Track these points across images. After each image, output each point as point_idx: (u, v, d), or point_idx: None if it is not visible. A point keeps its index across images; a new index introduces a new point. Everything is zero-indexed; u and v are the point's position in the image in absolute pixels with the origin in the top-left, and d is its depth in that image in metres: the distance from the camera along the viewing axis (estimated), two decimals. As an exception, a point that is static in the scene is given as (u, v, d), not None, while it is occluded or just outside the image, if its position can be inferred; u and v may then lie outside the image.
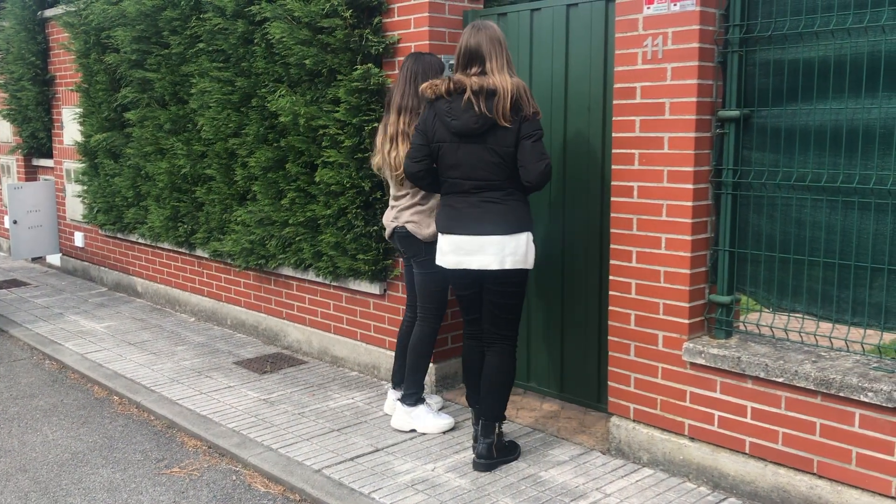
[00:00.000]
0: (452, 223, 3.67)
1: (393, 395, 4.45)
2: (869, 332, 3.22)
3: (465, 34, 3.60)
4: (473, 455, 3.82)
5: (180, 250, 6.77)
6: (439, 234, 3.75)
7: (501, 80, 3.49)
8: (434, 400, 4.55)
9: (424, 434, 4.19)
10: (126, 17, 6.43)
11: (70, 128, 8.12)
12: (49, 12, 8.23)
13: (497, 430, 3.79)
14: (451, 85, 3.56)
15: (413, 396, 4.22)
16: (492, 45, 3.54)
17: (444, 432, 4.19)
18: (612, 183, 3.74)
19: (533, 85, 4.37)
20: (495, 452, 3.76)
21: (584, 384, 4.41)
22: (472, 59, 3.55)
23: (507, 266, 3.61)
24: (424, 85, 3.68)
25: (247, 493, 3.74)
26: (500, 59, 3.54)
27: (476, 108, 3.50)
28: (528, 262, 3.66)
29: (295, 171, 5.19)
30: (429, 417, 4.21)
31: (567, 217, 4.33)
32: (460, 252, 3.65)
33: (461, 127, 3.55)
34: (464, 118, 3.54)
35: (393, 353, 4.93)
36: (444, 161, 3.66)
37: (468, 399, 4.01)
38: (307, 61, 4.87)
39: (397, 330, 4.91)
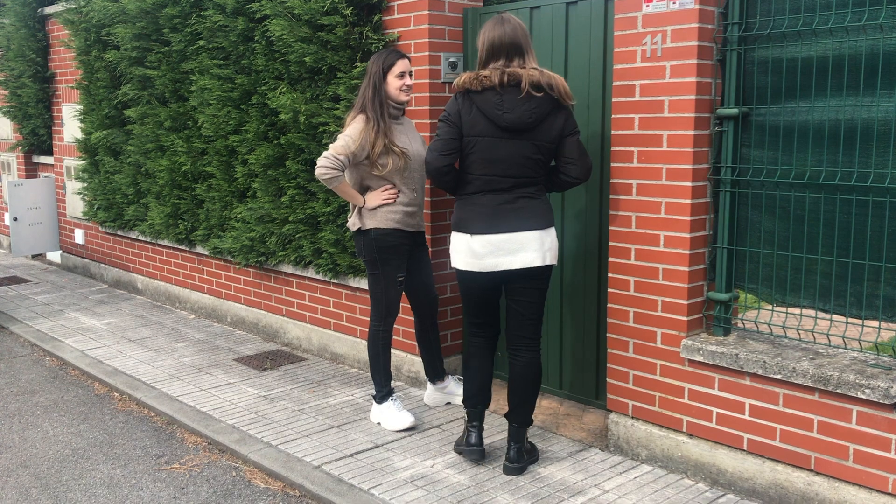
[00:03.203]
0: (488, 223, 3.51)
1: (430, 387, 4.56)
2: (867, 329, 3.23)
3: (491, 27, 3.48)
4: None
5: (180, 247, 6.78)
6: (468, 236, 3.56)
7: (546, 70, 3.46)
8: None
9: (414, 430, 4.21)
10: (126, 14, 6.44)
11: (70, 125, 8.13)
12: (49, 9, 8.23)
13: (526, 435, 3.80)
14: (506, 77, 3.39)
15: (378, 394, 4.29)
16: (526, 39, 3.48)
17: (399, 430, 4.21)
18: (611, 180, 3.75)
19: None
20: (525, 455, 3.75)
21: (583, 381, 4.42)
22: (510, 51, 3.43)
23: (548, 261, 3.56)
24: (468, 76, 3.45)
25: (247, 488, 3.75)
26: (532, 50, 3.50)
27: (537, 95, 3.38)
28: (556, 257, 3.66)
29: (295, 168, 5.20)
30: (390, 412, 4.25)
31: (566, 214, 4.34)
32: (499, 253, 3.51)
33: (514, 120, 3.40)
34: (518, 111, 3.39)
35: (392, 350, 4.95)
36: (480, 157, 3.49)
37: (467, 400, 3.84)
38: (307, 59, 4.87)
39: (397, 327, 4.92)
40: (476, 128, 3.48)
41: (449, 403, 4.52)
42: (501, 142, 3.47)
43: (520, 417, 3.73)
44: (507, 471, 3.70)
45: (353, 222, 4.19)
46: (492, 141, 3.47)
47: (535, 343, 3.71)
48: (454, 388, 4.55)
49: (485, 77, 3.42)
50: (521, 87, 3.40)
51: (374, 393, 4.32)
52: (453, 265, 3.69)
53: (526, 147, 3.47)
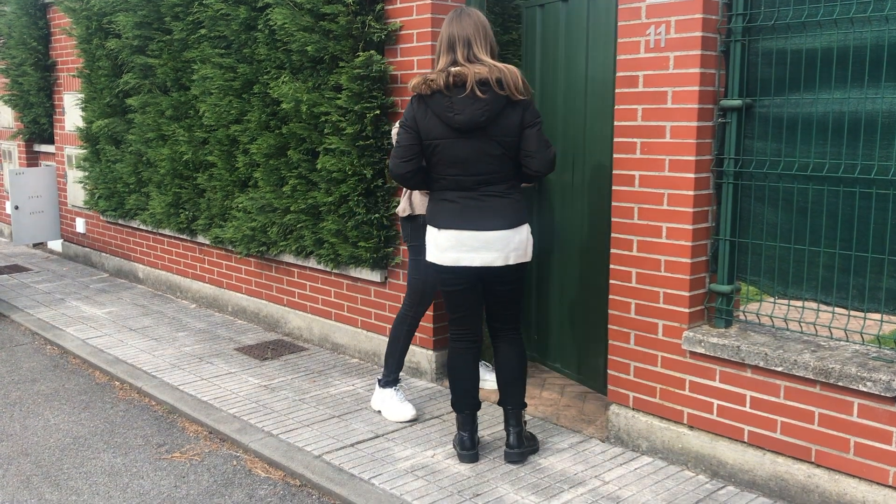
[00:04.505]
0: (454, 218, 3.51)
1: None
2: (869, 322, 3.23)
3: (447, 21, 3.49)
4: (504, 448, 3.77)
5: (181, 237, 6.77)
6: (435, 230, 3.57)
7: (499, 63, 3.42)
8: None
9: (414, 421, 4.21)
10: (128, 2, 6.42)
11: (72, 113, 8.12)
12: (50, -3, 8.22)
13: (524, 417, 3.80)
14: (451, 79, 3.38)
15: (384, 378, 4.30)
16: (477, 31, 3.44)
17: (399, 422, 4.21)
18: (614, 171, 3.74)
19: (580, 75, 4.28)
20: (525, 441, 3.75)
21: (595, 368, 4.43)
22: (458, 45, 3.42)
23: (511, 262, 3.54)
24: (417, 81, 3.46)
25: (247, 478, 3.76)
26: (486, 44, 3.47)
27: (483, 96, 3.36)
28: (529, 255, 3.62)
29: (297, 158, 5.19)
30: (392, 403, 4.26)
31: (586, 204, 4.33)
32: (462, 248, 3.52)
33: (466, 121, 3.38)
34: (468, 111, 3.37)
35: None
36: (442, 158, 3.48)
37: (456, 405, 3.77)
38: (309, 48, 4.86)
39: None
40: (434, 131, 3.47)
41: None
42: (460, 142, 3.45)
43: (513, 399, 3.73)
44: (509, 457, 3.70)
45: (403, 208, 4.20)
46: (450, 142, 3.46)
47: (515, 328, 3.77)
48: (483, 374, 4.62)
49: (431, 81, 3.41)
50: (467, 87, 3.37)
51: (381, 377, 4.31)
52: (426, 257, 3.72)
53: (486, 145, 3.44)
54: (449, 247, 3.54)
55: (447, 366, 3.80)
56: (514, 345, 3.76)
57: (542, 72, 4.58)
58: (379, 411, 4.31)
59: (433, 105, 3.44)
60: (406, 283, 4.33)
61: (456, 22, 3.47)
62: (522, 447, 3.72)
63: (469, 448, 3.74)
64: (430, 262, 3.67)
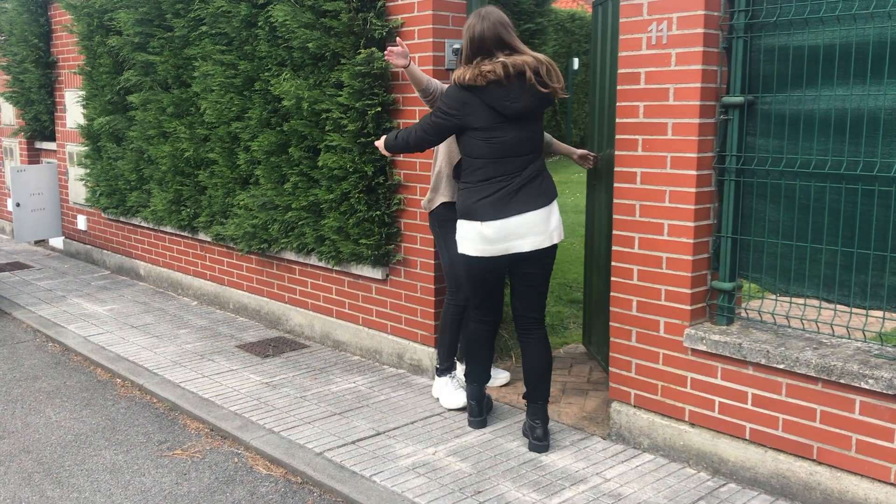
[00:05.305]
0: (498, 208, 3.58)
1: (461, 368, 4.63)
2: (871, 319, 3.22)
3: (474, 23, 3.59)
4: (530, 438, 3.87)
5: (183, 234, 6.77)
6: (478, 223, 3.62)
7: (542, 56, 3.58)
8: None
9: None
10: (129, -1, 6.42)
11: (73, 111, 8.12)
12: (52, -6, 8.21)
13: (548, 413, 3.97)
14: (512, 69, 3.51)
15: (439, 367, 4.41)
16: (507, 30, 3.59)
17: (452, 409, 4.30)
18: (616, 169, 3.73)
19: None
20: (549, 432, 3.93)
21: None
22: (494, 46, 3.55)
23: (555, 240, 3.69)
24: (470, 73, 3.54)
25: (248, 475, 3.76)
26: (517, 38, 3.62)
27: (536, 87, 3.53)
28: (563, 233, 3.76)
29: (298, 155, 5.19)
30: (448, 390, 4.35)
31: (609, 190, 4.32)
32: (511, 237, 3.60)
33: (521, 109, 3.55)
34: (524, 99, 3.54)
35: (394, 338, 4.96)
36: (487, 145, 3.59)
37: (470, 375, 4.02)
38: (310, 45, 4.85)
39: (399, 315, 4.93)
40: (480, 120, 3.59)
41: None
42: (505, 128, 3.59)
43: (543, 394, 3.83)
44: (540, 449, 3.80)
45: (430, 199, 4.31)
46: (496, 131, 3.59)
47: (542, 320, 3.86)
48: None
49: (489, 72, 3.52)
50: (526, 77, 3.53)
51: (437, 365, 4.43)
52: (461, 251, 3.75)
53: (525, 128, 3.62)
54: (498, 238, 3.62)
55: (468, 339, 3.98)
56: (542, 338, 3.85)
57: (600, 65, 4.65)
58: (437, 399, 4.42)
59: (486, 95, 3.55)
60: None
61: (480, 24, 3.58)
62: (549, 439, 3.85)
63: (477, 415, 4.05)
64: (473, 257, 3.71)
